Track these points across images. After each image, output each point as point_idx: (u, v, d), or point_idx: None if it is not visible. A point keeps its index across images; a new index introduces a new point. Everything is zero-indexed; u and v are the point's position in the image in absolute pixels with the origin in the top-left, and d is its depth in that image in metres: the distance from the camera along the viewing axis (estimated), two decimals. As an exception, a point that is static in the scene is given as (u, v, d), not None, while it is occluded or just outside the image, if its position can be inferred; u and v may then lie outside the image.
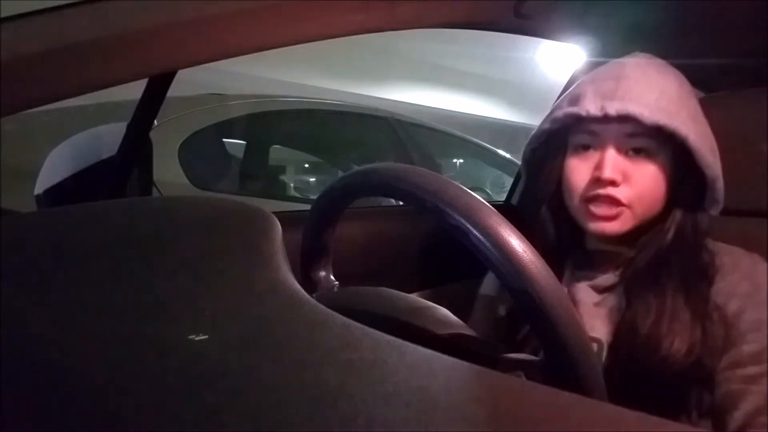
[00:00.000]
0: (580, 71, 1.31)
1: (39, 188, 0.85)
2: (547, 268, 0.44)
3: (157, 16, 0.60)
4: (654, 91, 0.72)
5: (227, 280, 0.37)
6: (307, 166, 4.78)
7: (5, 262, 0.37)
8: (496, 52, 5.13)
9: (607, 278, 0.77)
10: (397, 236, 1.19)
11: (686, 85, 0.77)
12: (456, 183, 0.48)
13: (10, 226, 0.45)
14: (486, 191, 3.97)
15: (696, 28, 1.04)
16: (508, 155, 3.40)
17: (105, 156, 0.85)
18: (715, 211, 0.75)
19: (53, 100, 0.57)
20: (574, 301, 0.77)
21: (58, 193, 0.83)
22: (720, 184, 0.73)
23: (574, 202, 0.76)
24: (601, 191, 0.72)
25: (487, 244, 0.44)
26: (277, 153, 2.91)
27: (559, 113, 0.77)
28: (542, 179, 0.81)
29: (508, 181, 1.67)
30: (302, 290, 0.37)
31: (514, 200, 1.46)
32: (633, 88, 0.72)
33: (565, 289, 0.79)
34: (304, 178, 4.68)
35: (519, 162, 1.57)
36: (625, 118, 0.70)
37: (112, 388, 0.26)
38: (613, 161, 0.72)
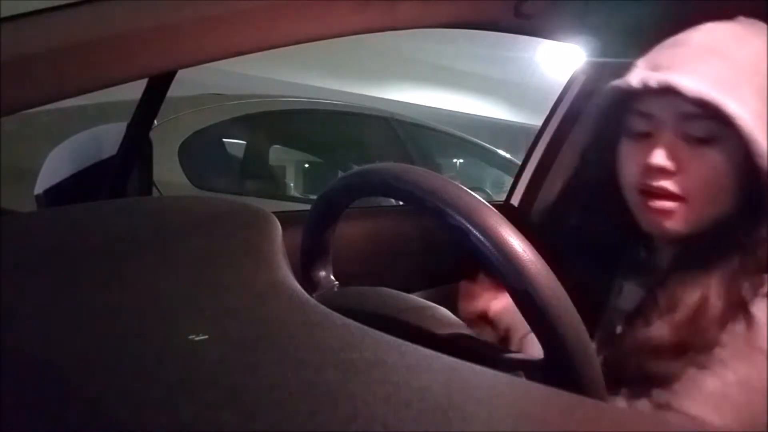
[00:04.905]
0: (580, 71, 1.31)
1: (39, 188, 0.85)
2: (547, 268, 0.44)
3: (157, 16, 0.60)
4: (714, 59, 0.60)
5: (227, 280, 0.37)
6: (307, 166, 4.79)
7: (5, 262, 0.37)
8: (496, 52, 5.13)
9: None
10: (397, 236, 1.19)
11: None
12: (456, 183, 0.48)
13: (10, 226, 0.45)
14: (486, 191, 3.97)
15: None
16: (508, 155, 3.40)
17: (105, 156, 0.85)
18: None
19: (53, 100, 0.57)
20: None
21: (58, 193, 0.83)
22: None
23: (631, 195, 0.66)
24: (653, 183, 0.62)
25: (487, 244, 0.44)
26: (277, 153, 2.91)
27: (606, 87, 0.66)
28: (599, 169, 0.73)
29: (508, 181, 1.67)
30: (302, 290, 0.37)
31: (515, 200, 1.46)
32: (688, 55, 0.61)
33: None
34: (304, 178, 4.69)
35: (519, 162, 1.57)
36: (669, 92, 0.58)
37: (112, 388, 0.26)
38: (666, 147, 0.60)
